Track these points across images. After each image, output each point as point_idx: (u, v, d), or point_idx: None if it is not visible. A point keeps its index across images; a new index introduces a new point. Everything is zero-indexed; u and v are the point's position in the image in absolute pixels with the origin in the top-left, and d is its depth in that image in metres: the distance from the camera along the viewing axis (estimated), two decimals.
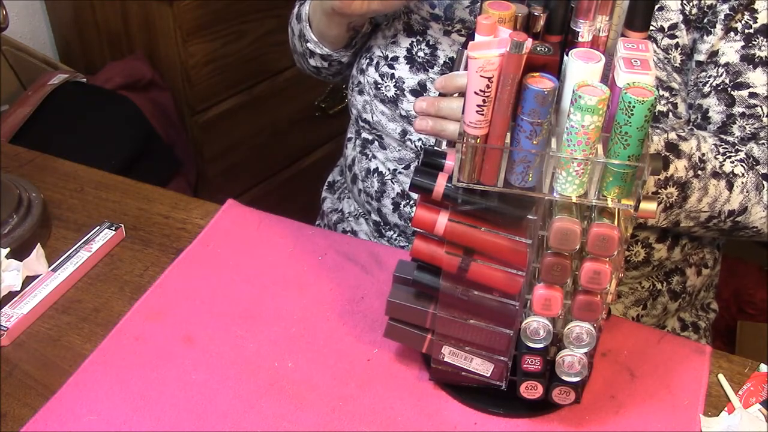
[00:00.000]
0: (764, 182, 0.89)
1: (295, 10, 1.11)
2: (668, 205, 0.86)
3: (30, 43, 1.70)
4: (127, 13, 1.62)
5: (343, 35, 1.03)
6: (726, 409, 0.79)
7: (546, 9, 0.67)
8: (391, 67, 1.00)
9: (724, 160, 0.88)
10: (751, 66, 0.90)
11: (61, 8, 1.73)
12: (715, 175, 0.87)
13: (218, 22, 1.63)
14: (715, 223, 0.89)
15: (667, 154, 0.85)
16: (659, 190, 0.85)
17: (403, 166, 1.03)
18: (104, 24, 1.68)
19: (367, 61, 1.03)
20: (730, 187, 0.87)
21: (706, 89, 0.92)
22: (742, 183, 0.87)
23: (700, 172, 0.86)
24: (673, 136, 0.86)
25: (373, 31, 1.07)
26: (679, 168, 0.85)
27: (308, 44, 1.07)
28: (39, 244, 0.93)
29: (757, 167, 0.89)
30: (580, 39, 0.67)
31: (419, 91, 0.98)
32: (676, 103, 0.92)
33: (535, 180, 0.65)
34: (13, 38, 1.64)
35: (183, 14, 1.55)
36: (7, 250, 0.90)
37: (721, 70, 0.91)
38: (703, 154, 0.87)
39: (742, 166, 0.88)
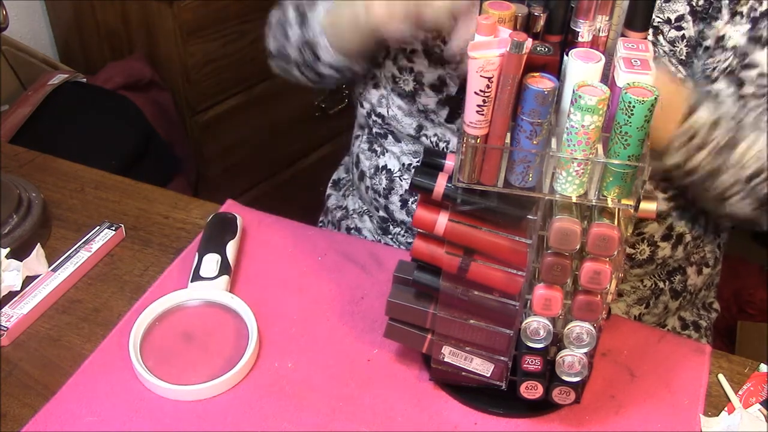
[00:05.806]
0: None
1: (289, 16, 1.01)
2: (719, 146, 0.83)
3: (30, 43, 1.70)
4: (127, 13, 1.63)
5: (365, 51, 0.95)
6: (726, 409, 0.79)
7: (546, 9, 0.67)
8: (410, 60, 0.98)
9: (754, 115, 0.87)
10: (758, 46, 0.88)
11: (61, 8, 1.73)
12: (755, 125, 0.85)
13: (218, 22, 1.63)
14: (757, 183, 0.86)
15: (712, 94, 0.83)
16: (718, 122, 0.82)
17: (417, 159, 1.01)
18: (104, 24, 1.68)
19: (384, 53, 1.02)
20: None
21: (715, 74, 0.91)
22: None
23: (743, 117, 0.85)
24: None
25: None
26: (728, 103, 0.83)
27: (321, 53, 0.97)
28: (39, 244, 0.93)
29: None
30: (580, 39, 0.67)
31: (438, 85, 0.97)
32: None
33: (535, 180, 0.65)
34: (13, 38, 1.64)
35: (183, 14, 1.56)
36: (7, 250, 0.90)
37: (728, 53, 0.90)
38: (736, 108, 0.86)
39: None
